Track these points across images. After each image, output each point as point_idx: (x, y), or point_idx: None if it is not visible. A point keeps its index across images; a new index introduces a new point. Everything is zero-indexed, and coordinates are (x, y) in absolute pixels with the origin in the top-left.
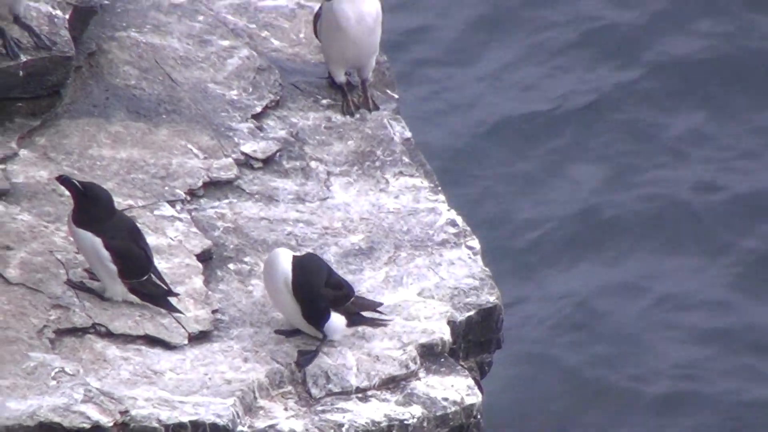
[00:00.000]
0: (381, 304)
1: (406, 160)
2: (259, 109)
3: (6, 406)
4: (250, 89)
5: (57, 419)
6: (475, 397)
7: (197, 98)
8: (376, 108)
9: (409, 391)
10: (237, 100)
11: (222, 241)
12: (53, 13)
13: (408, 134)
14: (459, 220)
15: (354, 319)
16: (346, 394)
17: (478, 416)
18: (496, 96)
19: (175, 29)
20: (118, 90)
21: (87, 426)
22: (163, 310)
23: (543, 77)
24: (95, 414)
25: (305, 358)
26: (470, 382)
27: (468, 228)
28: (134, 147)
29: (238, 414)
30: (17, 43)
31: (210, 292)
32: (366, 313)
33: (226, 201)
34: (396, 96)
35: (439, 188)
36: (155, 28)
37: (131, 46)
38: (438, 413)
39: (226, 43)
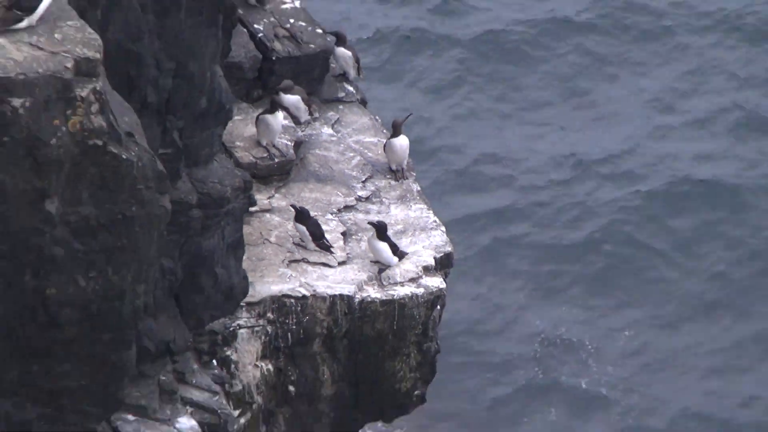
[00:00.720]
0: (407, 253)
1: (418, 198)
2: (363, 179)
3: (270, 288)
4: (361, 172)
5: (289, 293)
6: (443, 284)
7: (341, 174)
8: (406, 179)
9: (418, 283)
10: (356, 176)
11: (350, 228)
12: (287, 143)
13: (419, 188)
14: (438, 220)
15: (400, 257)
16: (395, 284)
17: (444, 293)
18: None
19: (332, 149)
20: (311, 173)
21: (300, 296)
22: (328, 253)
23: None
24: (304, 292)
25: (381, 270)
26: (441, 279)
27: (442, 223)
28: (317, 193)
29: (356, 292)
30: (274, 155)
31: (346, 246)
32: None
33: (351, 213)
34: (414, 174)
35: (431, 209)
36: (326, 148)
37: (315, 155)
38: (430, 291)
39: (355, 155)
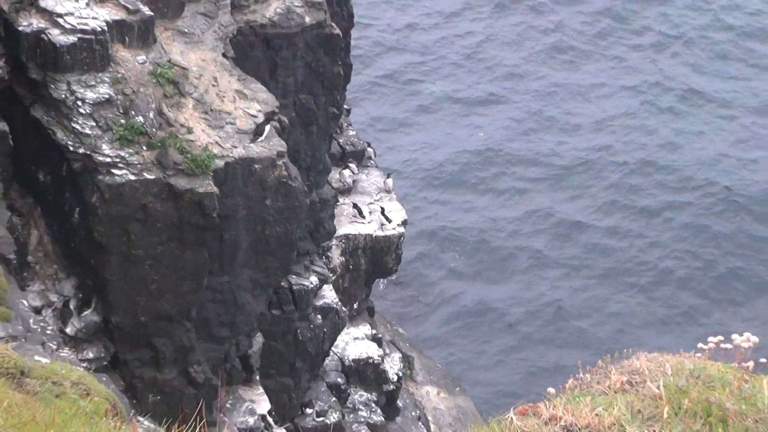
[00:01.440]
0: (392, 219)
1: (395, 200)
2: (376, 193)
3: (343, 231)
4: (375, 190)
5: (350, 233)
6: (404, 230)
7: (368, 191)
8: (391, 193)
9: (395, 230)
10: (373, 192)
11: (372, 209)
12: (350, 180)
13: (396, 196)
14: (402, 207)
15: (389, 221)
16: (387, 230)
17: (404, 234)
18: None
19: (365, 182)
20: (358, 190)
21: (354, 234)
22: (364, 219)
23: None
24: (356, 232)
25: (382, 225)
26: (403, 229)
27: (404, 209)
28: (360, 197)
29: (374, 233)
30: (345, 185)
31: (370, 216)
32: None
33: (372, 204)
34: (394, 191)
35: (399, 203)
36: (363, 182)
37: (359, 185)
38: (399, 233)
39: (373, 185)
